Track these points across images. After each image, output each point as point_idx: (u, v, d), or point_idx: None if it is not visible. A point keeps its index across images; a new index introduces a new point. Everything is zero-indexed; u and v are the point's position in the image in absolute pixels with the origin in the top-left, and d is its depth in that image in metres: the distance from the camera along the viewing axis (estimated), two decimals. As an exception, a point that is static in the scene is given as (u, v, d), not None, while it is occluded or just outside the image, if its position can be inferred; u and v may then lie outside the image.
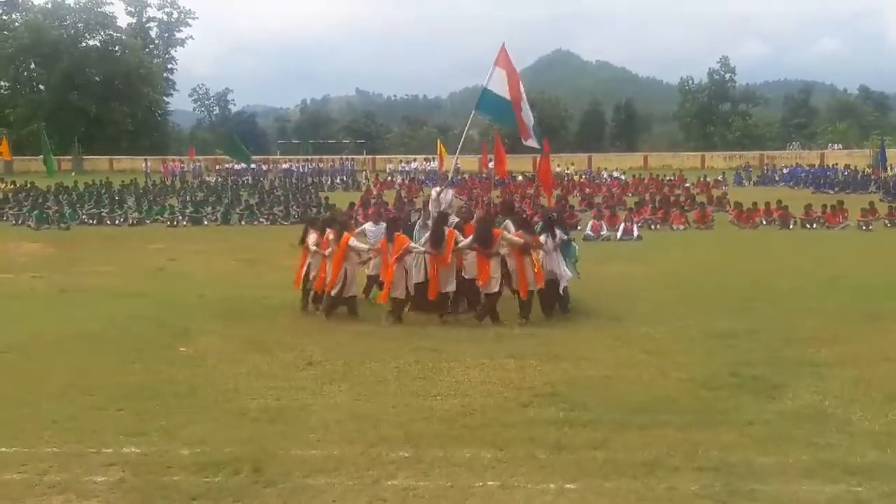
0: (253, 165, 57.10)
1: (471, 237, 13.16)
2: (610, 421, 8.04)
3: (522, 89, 16.83)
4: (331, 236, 13.61)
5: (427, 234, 13.56)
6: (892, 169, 46.84)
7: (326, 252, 13.58)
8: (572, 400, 8.75)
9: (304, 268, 14.22)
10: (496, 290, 13.09)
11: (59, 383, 9.62)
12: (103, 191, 40.58)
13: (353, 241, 13.44)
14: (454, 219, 14.40)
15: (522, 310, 13.20)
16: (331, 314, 13.55)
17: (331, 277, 13.38)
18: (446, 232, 13.19)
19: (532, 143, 17.61)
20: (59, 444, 7.61)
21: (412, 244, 13.30)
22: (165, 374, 10.04)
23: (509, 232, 13.28)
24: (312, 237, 14.16)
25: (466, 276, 13.35)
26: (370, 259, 13.92)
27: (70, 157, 69.73)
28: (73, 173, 60.28)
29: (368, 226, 15.34)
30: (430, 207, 15.40)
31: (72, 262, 21.31)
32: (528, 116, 17.20)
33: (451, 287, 13.36)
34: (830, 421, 8.04)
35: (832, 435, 7.61)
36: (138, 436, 7.75)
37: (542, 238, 13.39)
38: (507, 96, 16.15)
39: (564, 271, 13.54)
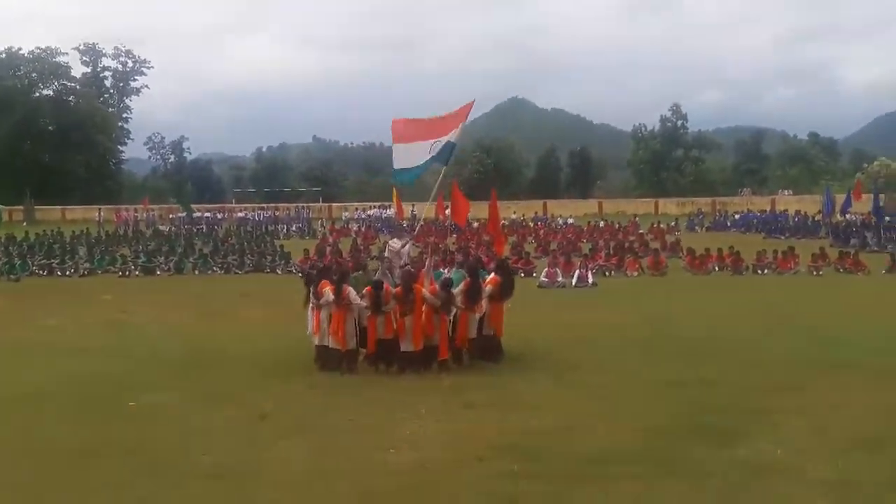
0: (196, 214, 56.98)
1: (489, 287, 13.55)
2: (566, 473, 7.99)
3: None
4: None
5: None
6: (846, 215, 47.29)
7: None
8: (528, 452, 8.70)
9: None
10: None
11: (4, 446, 9.40)
12: (54, 241, 39.92)
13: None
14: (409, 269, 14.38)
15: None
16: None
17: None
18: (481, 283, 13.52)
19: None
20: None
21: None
22: (115, 432, 9.83)
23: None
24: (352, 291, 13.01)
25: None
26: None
27: (22, 207, 68.80)
28: (24, 224, 59.42)
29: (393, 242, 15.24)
30: (389, 257, 15.32)
31: (21, 316, 20.83)
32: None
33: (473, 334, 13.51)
34: (785, 471, 8.06)
35: (787, 485, 7.62)
36: (85, 499, 7.57)
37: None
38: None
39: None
